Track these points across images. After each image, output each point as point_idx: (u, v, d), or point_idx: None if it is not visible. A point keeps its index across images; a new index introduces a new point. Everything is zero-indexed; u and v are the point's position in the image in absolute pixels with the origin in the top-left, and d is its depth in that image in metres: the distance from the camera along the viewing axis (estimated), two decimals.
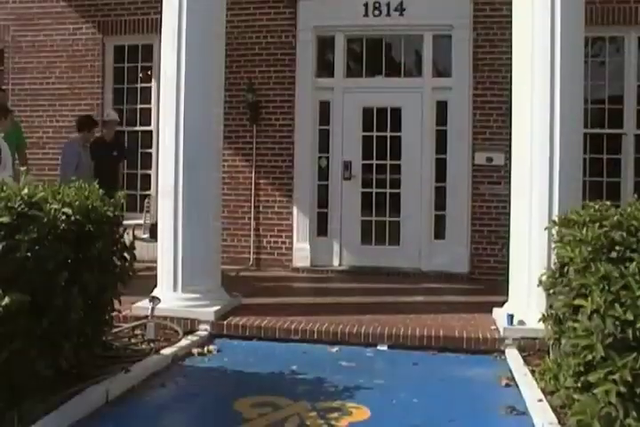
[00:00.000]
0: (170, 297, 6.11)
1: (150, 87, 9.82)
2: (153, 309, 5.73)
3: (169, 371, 5.05)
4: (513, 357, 5.36)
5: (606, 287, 3.41)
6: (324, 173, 9.36)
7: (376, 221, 9.24)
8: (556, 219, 4.69)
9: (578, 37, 5.89)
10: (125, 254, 4.77)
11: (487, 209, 8.74)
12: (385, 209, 9.23)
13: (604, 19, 8.60)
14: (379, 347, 5.79)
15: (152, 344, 5.46)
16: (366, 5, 9.10)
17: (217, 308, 6.18)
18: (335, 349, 5.73)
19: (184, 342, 5.64)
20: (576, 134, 5.87)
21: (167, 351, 5.31)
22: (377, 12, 9.09)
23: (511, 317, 5.67)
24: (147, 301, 5.84)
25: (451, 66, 9.05)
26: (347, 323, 6.04)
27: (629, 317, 3.25)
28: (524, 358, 5.29)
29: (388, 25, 9.13)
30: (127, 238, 5.01)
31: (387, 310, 6.64)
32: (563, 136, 5.69)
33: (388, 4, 9.06)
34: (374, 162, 9.21)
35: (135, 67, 9.98)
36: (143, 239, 8.53)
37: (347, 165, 9.19)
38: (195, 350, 5.55)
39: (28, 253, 3.55)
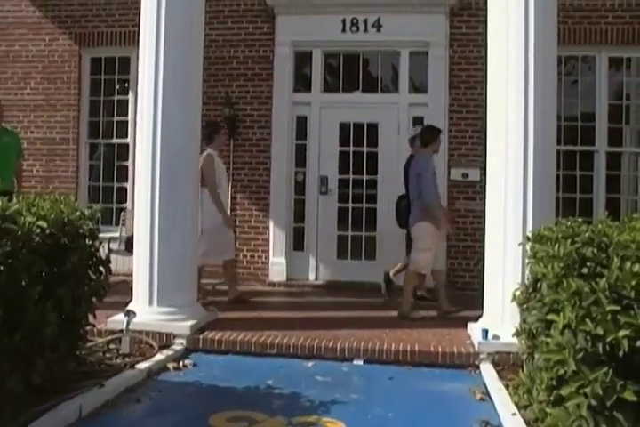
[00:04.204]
0: (145, 311, 6.07)
1: (127, 100, 9.82)
2: (128, 323, 5.69)
3: (144, 386, 5.01)
4: (487, 371, 5.38)
5: (577, 303, 3.45)
6: (300, 188, 9.39)
7: (352, 236, 9.28)
8: (529, 235, 4.74)
9: (551, 56, 5.99)
10: (101, 268, 4.76)
11: (463, 224, 8.82)
12: (361, 224, 9.27)
13: (576, 38, 8.78)
14: (354, 361, 5.79)
15: (127, 359, 5.41)
16: (344, 21, 9.18)
17: (193, 322, 6.16)
18: (311, 363, 5.73)
19: (159, 356, 5.61)
20: (549, 151, 5.94)
21: (142, 366, 5.27)
22: (354, 29, 9.18)
23: (486, 331, 5.71)
24: (122, 315, 5.81)
25: (427, 82, 9.16)
26: (322, 337, 6.05)
27: (599, 331, 3.29)
28: (498, 372, 5.32)
29: (365, 41, 9.21)
30: (103, 252, 4.99)
31: (362, 325, 6.65)
32: (536, 153, 5.76)
33: (366, 21, 9.15)
34: (351, 177, 9.27)
35: (112, 79, 9.97)
36: (119, 252, 8.50)
37: (323, 180, 9.23)
38: (170, 365, 5.52)
39: (1, 267, 3.52)
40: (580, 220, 4.38)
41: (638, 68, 9.07)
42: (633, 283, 3.34)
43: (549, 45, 5.96)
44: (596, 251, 3.72)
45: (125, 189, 9.77)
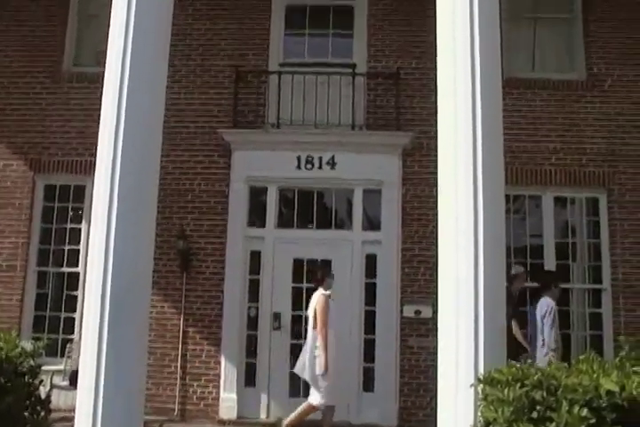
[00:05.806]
0: None
1: (80, 228, 9.77)
2: None
3: None
4: None
5: None
6: (252, 323, 9.28)
7: None
8: (480, 377, 4.69)
9: (498, 197, 6.15)
10: (39, 408, 4.54)
11: (416, 362, 8.74)
12: None
13: (523, 179, 9.21)
14: None
15: None
16: (299, 158, 9.45)
17: None
18: None
19: None
20: (500, 290, 5.99)
21: None
22: (309, 166, 9.44)
23: None
24: None
25: (380, 220, 9.35)
26: None
27: None
28: None
29: (319, 178, 9.47)
30: (43, 390, 4.79)
31: None
32: (486, 293, 5.80)
33: (321, 159, 9.44)
34: (304, 313, 9.16)
35: (66, 207, 9.94)
36: (62, 387, 8.17)
37: (276, 316, 9.17)
38: None
39: None
40: (529, 361, 4.37)
41: (581, 207, 9.46)
42: None
43: (496, 187, 6.13)
44: (545, 394, 3.68)
45: (73, 320, 9.52)
